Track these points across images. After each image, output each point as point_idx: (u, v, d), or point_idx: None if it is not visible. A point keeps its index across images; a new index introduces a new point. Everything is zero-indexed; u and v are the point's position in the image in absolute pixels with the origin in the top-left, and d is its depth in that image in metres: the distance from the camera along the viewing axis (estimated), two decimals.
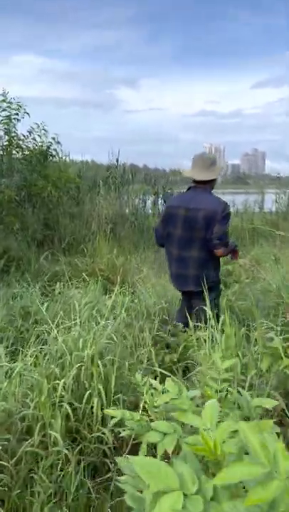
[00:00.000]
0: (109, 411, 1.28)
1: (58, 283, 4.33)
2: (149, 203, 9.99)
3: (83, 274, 4.88)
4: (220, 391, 1.37)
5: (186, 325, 2.80)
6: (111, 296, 3.21)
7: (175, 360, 2.82)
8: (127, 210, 9.30)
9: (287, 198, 12.06)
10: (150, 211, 9.87)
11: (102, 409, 2.14)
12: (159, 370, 2.14)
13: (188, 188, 3.08)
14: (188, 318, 2.69)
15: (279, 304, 3.11)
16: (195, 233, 2.90)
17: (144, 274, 5.17)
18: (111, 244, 6.67)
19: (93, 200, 8.61)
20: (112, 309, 3.15)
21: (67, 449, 1.99)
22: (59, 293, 4.09)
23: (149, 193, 10.16)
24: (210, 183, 3.04)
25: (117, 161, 10.01)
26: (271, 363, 1.74)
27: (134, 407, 2.17)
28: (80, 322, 2.60)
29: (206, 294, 2.64)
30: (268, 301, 3.37)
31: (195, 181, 3.03)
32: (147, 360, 2.70)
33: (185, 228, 2.93)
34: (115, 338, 2.45)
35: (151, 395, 1.35)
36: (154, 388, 1.36)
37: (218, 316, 2.67)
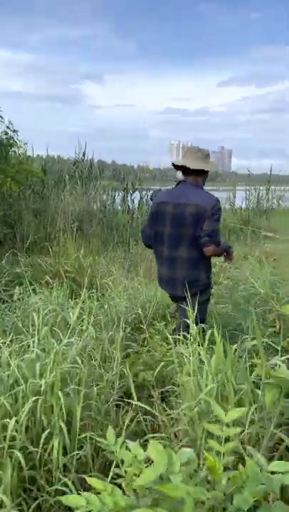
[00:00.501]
0: (69, 499, 0.87)
1: (18, 287, 3.85)
2: (118, 199, 9.60)
3: (47, 276, 4.41)
4: (224, 454, 0.98)
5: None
6: (77, 302, 2.79)
7: (151, 379, 2.44)
8: (94, 207, 8.85)
9: (257, 195, 11.98)
10: (119, 207, 9.46)
11: (64, 452, 1.73)
12: (135, 401, 1.74)
13: (178, 183, 2.87)
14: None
15: (267, 312, 2.77)
16: (184, 230, 2.70)
17: (114, 275, 4.75)
18: (78, 243, 6.18)
19: (59, 195, 8.10)
20: (78, 318, 2.73)
21: (19, 507, 1.57)
22: (18, 299, 3.62)
23: (118, 189, 9.76)
24: (202, 177, 2.84)
25: (84, 154, 9.56)
26: (277, 396, 1.38)
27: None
28: (39, 340, 2.16)
29: (191, 298, 2.44)
30: (253, 306, 3.03)
31: (186, 174, 2.82)
32: (119, 382, 2.30)
33: (174, 225, 2.74)
34: (80, 361, 2.02)
35: (130, 465, 0.94)
36: (135, 456, 0.96)
37: (203, 323, 2.47)
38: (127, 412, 2.11)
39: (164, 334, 2.91)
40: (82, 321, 2.42)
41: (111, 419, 2.05)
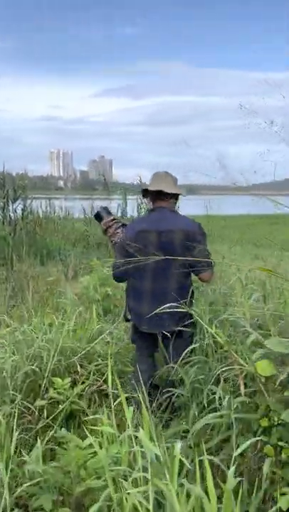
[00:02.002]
0: None
1: None
2: None
3: None
4: None
5: (153, 386, 2.66)
6: None
7: None
8: None
9: (145, 203, 11.66)
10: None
11: None
12: None
13: (152, 210, 2.79)
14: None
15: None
16: (172, 259, 2.45)
17: None
18: None
19: None
20: None
21: None
22: None
23: None
24: (174, 202, 2.83)
25: None
26: None
27: None
28: None
29: (182, 333, 2.44)
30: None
31: (158, 199, 2.75)
32: None
33: (160, 255, 2.43)
34: None
35: None
36: None
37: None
38: None
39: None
40: None
41: None
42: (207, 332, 2.27)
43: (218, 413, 1.72)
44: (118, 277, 2.84)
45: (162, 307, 2.31)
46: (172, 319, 2.53)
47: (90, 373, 2.79)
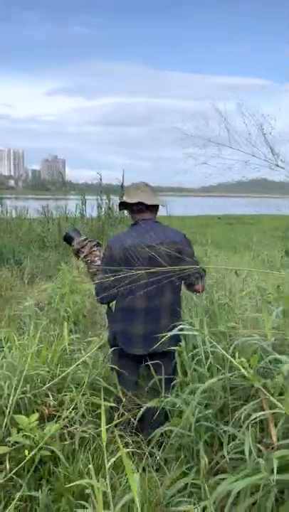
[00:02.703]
0: None
1: None
2: None
3: None
4: None
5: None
6: None
7: None
8: None
9: (105, 203, 11.21)
10: None
11: None
12: None
13: (134, 224, 2.64)
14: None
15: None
16: (165, 273, 2.31)
17: None
18: None
19: None
20: None
21: None
22: None
23: None
24: (156, 212, 2.70)
25: None
26: None
27: None
28: None
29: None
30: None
31: (139, 212, 2.62)
32: None
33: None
34: None
35: None
36: None
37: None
38: None
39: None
40: None
41: None
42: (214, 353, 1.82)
43: (253, 477, 1.27)
44: (102, 299, 2.60)
45: (173, 324, 2.25)
46: (171, 337, 2.24)
47: (61, 404, 2.28)
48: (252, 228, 17.02)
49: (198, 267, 2.42)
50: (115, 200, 10.71)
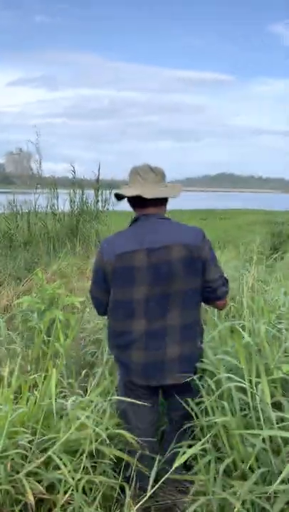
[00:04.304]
0: None
1: None
2: None
3: None
4: None
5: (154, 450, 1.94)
6: None
7: None
8: None
9: (79, 198, 10.43)
10: None
11: None
12: None
13: (135, 220, 2.07)
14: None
15: None
16: (172, 286, 1.94)
17: None
18: None
19: None
20: None
21: None
22: None
23: None
24: (165, 205, 2.11)
25: None
26: None
27: None
28: None
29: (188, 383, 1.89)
30: None
31: (141, 206, 2.04)
32: None
33: (154, 283, 1.95)
34: None
35: None
36: None
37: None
38: None
39: None
40: None
41: None
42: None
43: None
44: (99, 311, 2.23)
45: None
46: (176, 367, 1.95)
47: (51, 487, 1.57)
48: (227, 224, 16.68)
49: (217, 284, 2.01)
50: (90, 194, 9.95)
